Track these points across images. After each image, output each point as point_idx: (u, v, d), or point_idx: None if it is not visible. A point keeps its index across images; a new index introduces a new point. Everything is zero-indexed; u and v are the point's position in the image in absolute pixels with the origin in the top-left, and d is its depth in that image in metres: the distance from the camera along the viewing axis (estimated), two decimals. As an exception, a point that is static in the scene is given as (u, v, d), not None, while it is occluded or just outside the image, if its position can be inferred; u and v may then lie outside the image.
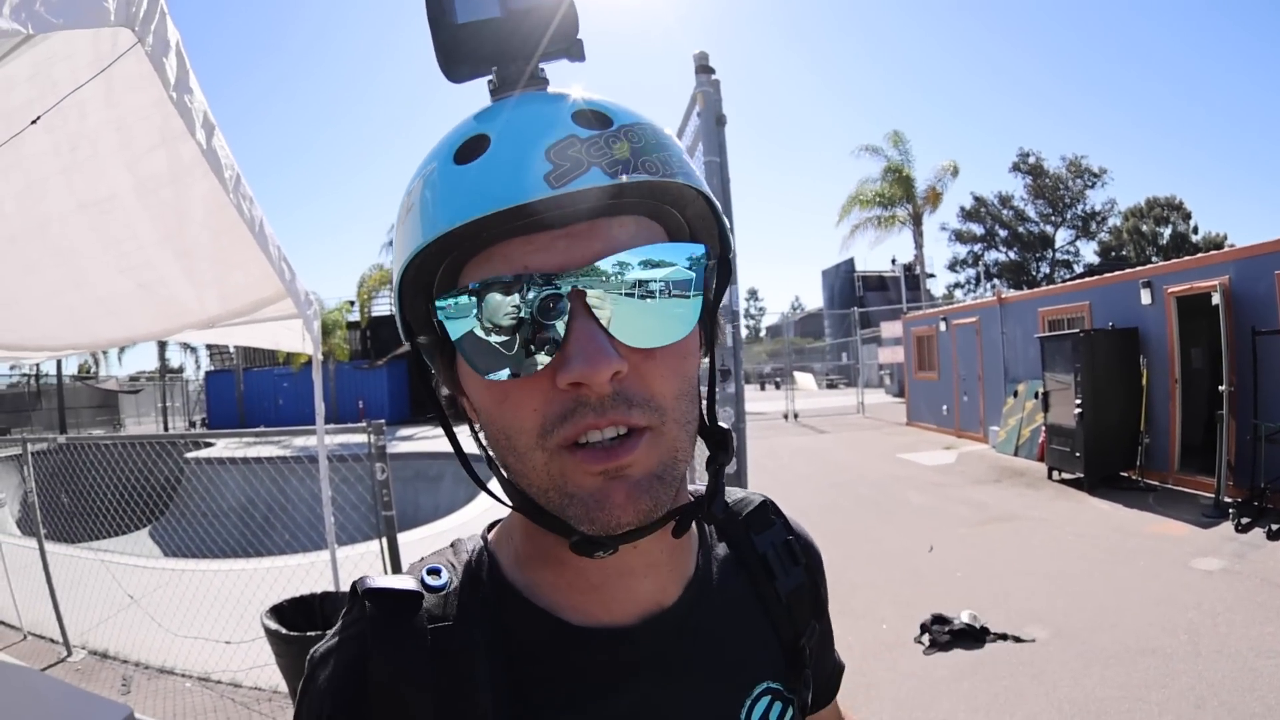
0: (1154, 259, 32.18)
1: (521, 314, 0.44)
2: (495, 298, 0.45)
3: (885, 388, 26.16)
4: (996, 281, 38.55)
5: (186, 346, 30.53)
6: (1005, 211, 40.11)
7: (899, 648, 4.31)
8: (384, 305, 27.87)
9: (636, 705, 0.54)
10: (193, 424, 28.45)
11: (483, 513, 8.87)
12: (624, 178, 0.44)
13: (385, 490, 3.31)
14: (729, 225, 0.53)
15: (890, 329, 18.99)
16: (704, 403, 0.55)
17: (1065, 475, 9.11)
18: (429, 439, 19.22)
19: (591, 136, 0.45)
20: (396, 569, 3.21)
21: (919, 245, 23.81)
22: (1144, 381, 8.78)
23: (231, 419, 26.81)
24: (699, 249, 0.48)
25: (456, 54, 0.50)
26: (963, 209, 40.38)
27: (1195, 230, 37.37)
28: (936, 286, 36.59)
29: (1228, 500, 7.14)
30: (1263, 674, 3.73)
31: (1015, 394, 11.65)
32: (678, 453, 0.48)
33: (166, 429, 25.44)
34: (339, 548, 3.58)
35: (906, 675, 3.97)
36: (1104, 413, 8.56)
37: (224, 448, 14.28)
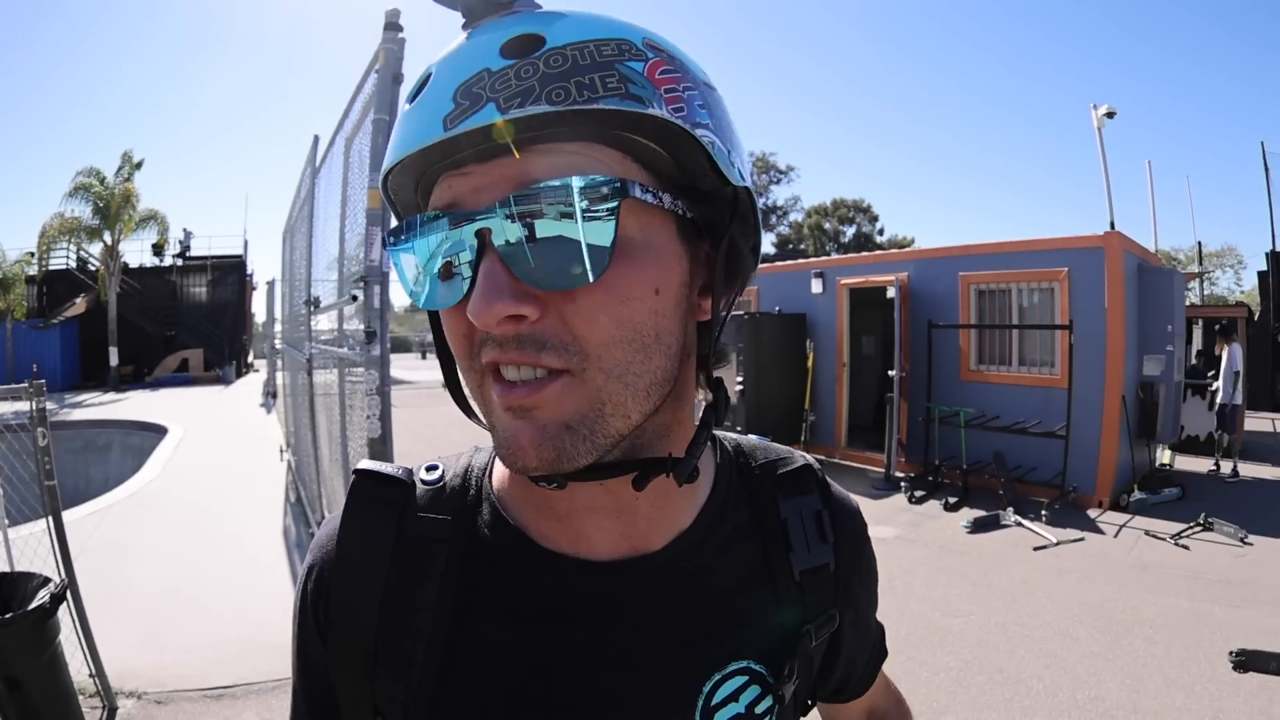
0: (833, 254, 35.41)
1: (443, 249, 0.43)
2: (422, 233, 0.44)
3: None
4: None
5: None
6: (679, 198, 42.30)
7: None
8: (62, 258, 24.18)
9: (578, 641, 0.51)
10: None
11: (149, 483, 8.12)
12: (513, 113, 0.39)
13: (46, 458, 3.03)
14: (736, 153, 0.46)
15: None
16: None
17: (726, 447, 9.74)
18: (100, 405, 17.01)
19: (504, 68, 0.40)
20: (63, 546, 3.10)
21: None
22: (810, 364, 9.27)
23: (-75, 379, 21.24)
24: (600, 179, 0.40)
25: None
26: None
27: (881, 232, 39.74)
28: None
29: (899, 475, 7.64)
30: (952, 631, 3.92)
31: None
32: (605, 405, 0.43)
33: None
34: (18, 526, 3.36)
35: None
36: (767, 391, 8.78)
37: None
